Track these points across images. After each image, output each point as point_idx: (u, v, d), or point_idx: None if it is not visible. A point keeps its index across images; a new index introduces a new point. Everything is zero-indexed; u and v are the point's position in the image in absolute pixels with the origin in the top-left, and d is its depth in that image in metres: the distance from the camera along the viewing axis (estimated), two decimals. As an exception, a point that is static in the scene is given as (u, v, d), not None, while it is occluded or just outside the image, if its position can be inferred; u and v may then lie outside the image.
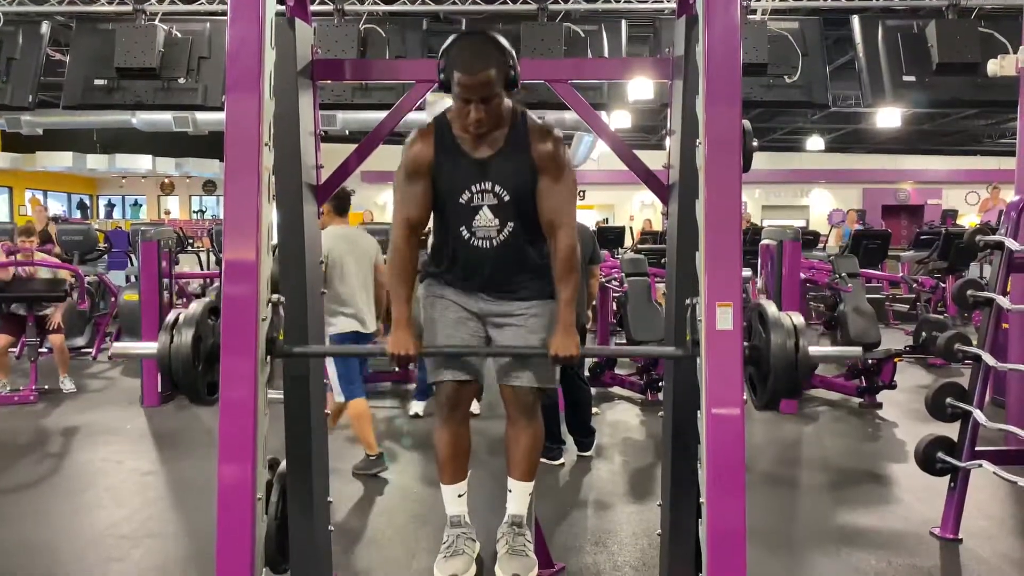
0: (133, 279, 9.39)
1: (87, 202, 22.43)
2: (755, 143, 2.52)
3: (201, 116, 11.61)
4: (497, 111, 2.38)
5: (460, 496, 2.67)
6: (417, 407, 6.13)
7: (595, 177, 21.45)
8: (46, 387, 6.81)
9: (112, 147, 18.80)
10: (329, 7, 5.97)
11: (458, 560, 2.51)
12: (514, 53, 2.40)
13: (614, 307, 7.96)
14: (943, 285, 9.48)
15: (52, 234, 9.69)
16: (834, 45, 8.85)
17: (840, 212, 16.33)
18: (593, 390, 6.89)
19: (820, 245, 12.21)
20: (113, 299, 8.70)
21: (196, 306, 2.39)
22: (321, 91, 3.11)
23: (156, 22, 5.53)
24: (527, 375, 2.54)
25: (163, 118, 12.08)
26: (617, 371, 7.20)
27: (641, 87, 7.72)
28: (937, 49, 5.34)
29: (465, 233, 2.51)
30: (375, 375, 7.18)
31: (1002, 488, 4.35)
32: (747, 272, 7.63)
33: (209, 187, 22.50)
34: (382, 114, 3.15)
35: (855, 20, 5.69)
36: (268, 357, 2.39)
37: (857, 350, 2.51)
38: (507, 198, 2.48)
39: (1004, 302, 3.75)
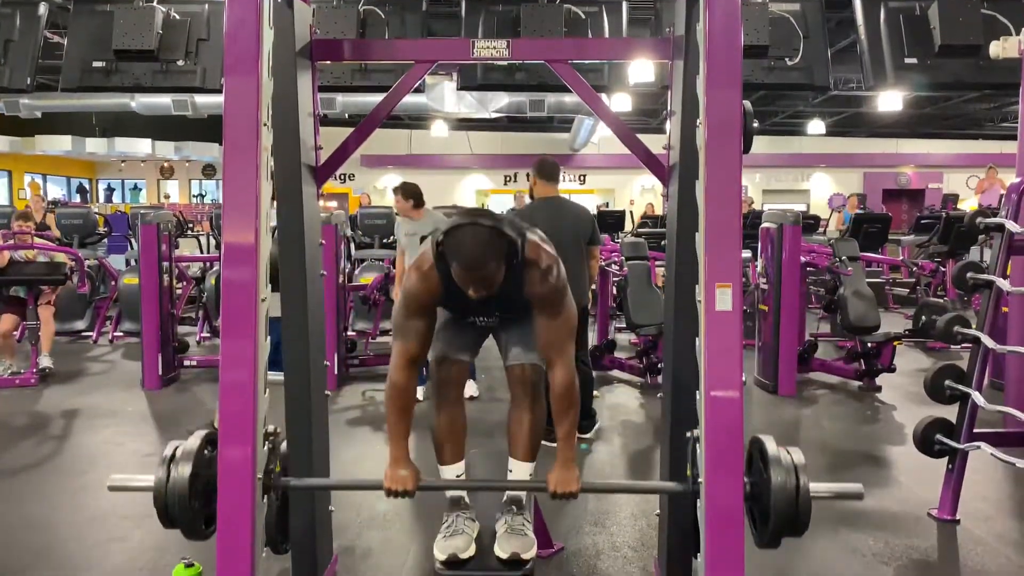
0: (133, 263, 9.40)
1: (86, 186, 22.38)
2: (755, 124, 2.51)
3: (200, 99, 11.56)
4: (497, 284, 2.35)
5: (458, 476, 2.69)
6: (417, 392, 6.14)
7: (595, 161, 21.42)
8: (48, 369, 6.82)
9: (111, 131, 18.73)
10: (328, -12, 5.94)
11: (458, 539, 2.53)
12: (516, 234, 2.38)
13: (614, 291, 7.96)
14: (943, 269, 9.49)
15: (51, 224, 9.70)
16: (836, 27, 8.80)
17: (841, 196, 16.27)
18: (593, 373, 6.92)
19: (820, 229, 12.20)
20: (113, 283, 8.71)
21: (194, 440, 2.33)
22: (320, 74, 3.10)
23: (154, 3, 5.49)
24: (532, 354, 2.58)
25: (162, 101, 12.02)
26: (617, 354, 7.22)
27: (642, 70, 7.68)
28: (939, 31, 5.30)
29: (466, 323, 2.68)
30: (374, 358, 7.20)
31: (1000, 470, 4.37)
32: (747, 253, 7.63)
33: (209, 171, 22.45)
34: (382, 96, 3.15)
35: (857, 2, 5.65)
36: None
37: (858, 487, 2.45)
38: (507, 316, 2.61)
39: (1004, 284, 3.75)
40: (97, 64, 5.69)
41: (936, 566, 3.48)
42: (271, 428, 2.43)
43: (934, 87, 6.52)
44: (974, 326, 3.86)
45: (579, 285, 4.88)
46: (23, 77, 5.82)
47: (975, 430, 3.78)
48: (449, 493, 2.68)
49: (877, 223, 9.44)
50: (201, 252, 11.36)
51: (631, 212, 15.04)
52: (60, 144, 18.44)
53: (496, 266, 2.29)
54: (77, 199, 20.85)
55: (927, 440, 3.87)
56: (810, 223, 10.50)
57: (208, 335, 8.29)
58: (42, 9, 5.89)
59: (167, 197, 22.41)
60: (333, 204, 17.50)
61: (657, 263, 7.69)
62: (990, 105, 17.26)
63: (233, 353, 2.32)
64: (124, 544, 3.60)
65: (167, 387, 6.60)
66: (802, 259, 6.79)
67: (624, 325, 7.00)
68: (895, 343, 6.53)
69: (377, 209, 10.41)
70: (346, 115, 12.52)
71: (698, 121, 2.42)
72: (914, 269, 10.04)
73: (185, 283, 8.52)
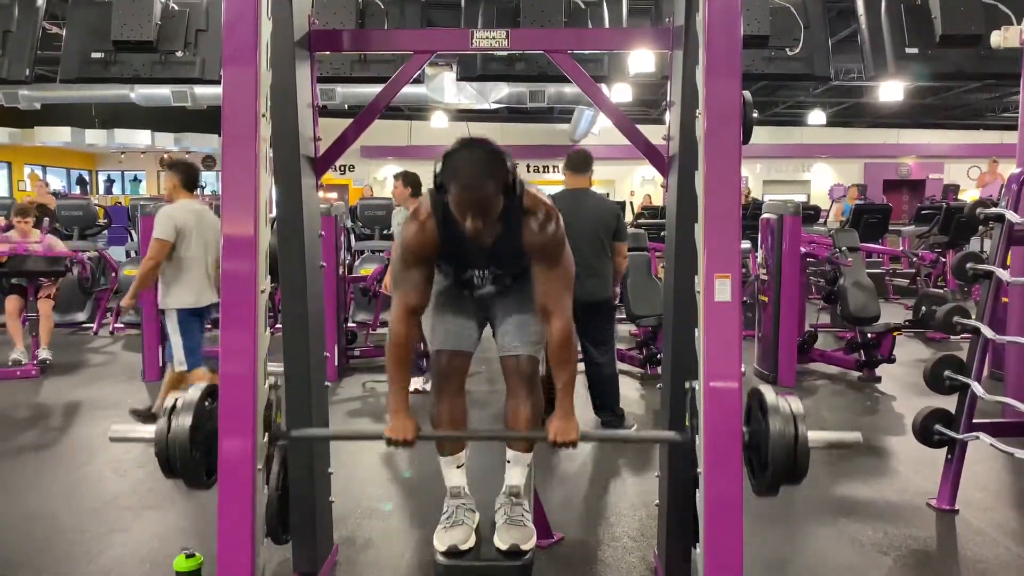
0: (133, 254, 9.41)
1: (86, 177, 22.35)
2: (755, 114, 2.51)
3: (200, 90, 11.52)
4: (495, 215, 2.35)
5: (459, 467, 2.70)
6: (417, 382, 6.14)
7: (595, 152, 21.08)
8: (47, 361, 6.83)
9: (111, 122, 18.70)
10: (327, -22, 5.90)
11: (458, 530, 2.54)
12: (512, 163, 2.37)
13: (614, 282, 7.95)
14: (943, 259, 9.48)
15: (51, 212, 9.68)
16: (836, 17, 8.77)
17: (841, 187, 16.25)
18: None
19: (821, 220, 12.19)
20: (114, 274, 8.71)
21: (194, 391, 2.35)
22: (319, 64, 3.10)
23: (152, -6, 5.47)
24: (527, 344, 2.57)
25: (161, 92, 12.00)
26: (617, 345, 7.21)
27: (642, 60, 7.67)
28: (940, 21, 5.28)
29: (465, 291, 2.67)
30: (374, 350, 7.21)
31: (999, 460, 4.38)
32: (746, 244, 7.62)
33: (208, 162, 22.40)
34: (381, 87, 3.14)
35: (858, -8, 5.63)
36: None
37: (856, 436, 2.46)
38: (505, 275, 2.60)
39: (1004, 275, 3.74)
40: (96, 55, 5.67)
41: (935, 556, 3.49)
42: (272, 380, 2.44)
43: (935, 77, 6.50)
44: (974, 316, 3.86)
45: (599, 279, 4.89)
46: (22, 68, 5.80)
47: (974, 420, 3.79)
48: (449, 484, 2.68)
49: (877, 214, 9.45)
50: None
51: (631, 203, 15.03)
52: (59, 136, 18.41)
53: (494, 190, 2.29)
54: (77, 191, 20.83)
55: (926, 430, 3.87)
56: (810, 214, 10.50)
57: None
58: (40, 0, 5.86)
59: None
60: (333, 195, 17.48)
61: (657, 254, 7.69)
62: (991, 95, 17.22)
63: (233, 344, 2.33)
64: (125, 535, 3.61)
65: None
66: (802, 250, 6.79)
67: (624, 316, 6.99)
68: (895, 333, 6.54)
69: (377, 200, 10.40)
70: (345, 106, 12.49)
71: (698, 111, 2.41)
72: (914, 259, 10.04)
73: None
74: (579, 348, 2.55)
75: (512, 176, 2.34)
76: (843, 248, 6.87)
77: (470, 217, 2.29)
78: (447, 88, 13.04)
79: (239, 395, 2.30)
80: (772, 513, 3.80)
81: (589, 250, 4.86)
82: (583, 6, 5.40)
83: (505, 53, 5.53)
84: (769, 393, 2.32)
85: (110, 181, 23.04)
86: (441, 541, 2.53)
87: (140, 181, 23.19)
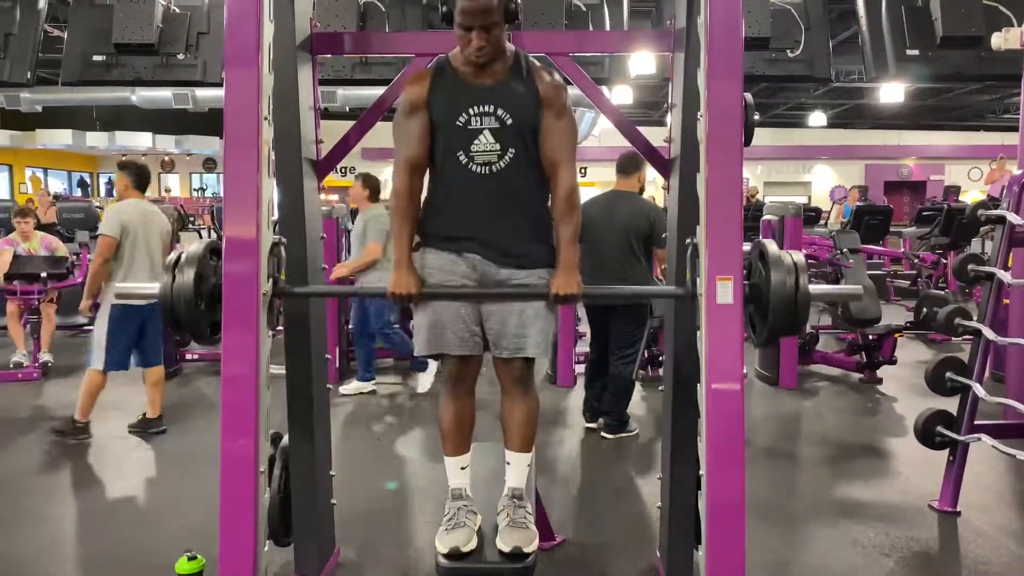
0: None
1: (87, 180, 22.39)
2: (756, 116, 2.51)
3: (201, 93, 11.53)
4: (498, 41, 2.40)
5: (463, 468, 2.69)
6: (356, 387, 6.19)
7: (596, 154, 21.32)
8: (49, 363, 6.83)
9: (112, 125, 18.75)
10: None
11: (460, 532, 2.53)
12: None
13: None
14: (944, 261, 9.47)
15: (54, 219, 9.71)
16: (837, 19, 8.79)
17: (842, 188, 16.26)
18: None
19: (822, 221, 12.18)
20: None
21: (197, 246, 2.40)
22: (321, 67, 3.10)
23: (154, -3, 5.48)
24: (520, 345, 2.53)
25: (163, 95, 12.00)
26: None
27: (643, 62, 7.67)
28: (941, 22, 5.30)
29: (463, 158, 2.45)
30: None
31: (1001, 462, 4.38)
32: (747, 247, 7.62)
33: (209, 164, 22.46)
34: (382, 89, 3.14)
35: (858, -7, 5.64)
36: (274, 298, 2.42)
37: (857, 288, 2.53)
38: (509, 121, 2.43)
39: (1005, 276, 3.74)
40: (97, 58, 5.69)
41: (937, 557, 3.49)
42: (276, 238, 2.47)
43: (936, 79, 6.52)
44: (975, 318, 3.86)
45: (624, 282, 4.69)
46: (23, 71, 5.82)
47: (976, 422, 3.79)
48: (451, 484, 2.68)
49: (878, 215, 9.44)
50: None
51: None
52: (61, 138, 18.46)
53: (497, 2, 2.32)
54: (78, 193, 20.86)
55: (928, 432, 3.87)
56: (811, 215, 10.50)
57: None
58: (42, 3, 5.89)
59: (168, 191, 22.40)
60: (334, 197, 17.49)
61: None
62: (992, 96, 17.23)
63: (234, 347, 2.33)
64: (127, 538, 3.61)
65: (169, 380, 6.58)
66: (803, 251, 6.79)
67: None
68: (896, 335, 6.53)
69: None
70: (347, 108, 12.51)
71: (699, 114, 2.41)
72: (915, 261, 10.02)
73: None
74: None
75: (514, 2, 2.39)
76: (844, 250, 6.87)
77: (475, 32, 2.33)
78: (448, 90, 13.02)
79: (241, 396, 2.31)
80: (774, 514, 3.81)
81: (616, 252, 4.78)
82: (584, 8, 5.41)
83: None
84: (771, 245, 2.36)
85: (111, 183, 23.07)
86: (443, 543, 2.52)
87: (141, 183, 23.22)
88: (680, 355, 2.85)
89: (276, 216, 2.86)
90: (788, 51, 5.35)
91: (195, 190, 22.89)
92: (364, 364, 6.20)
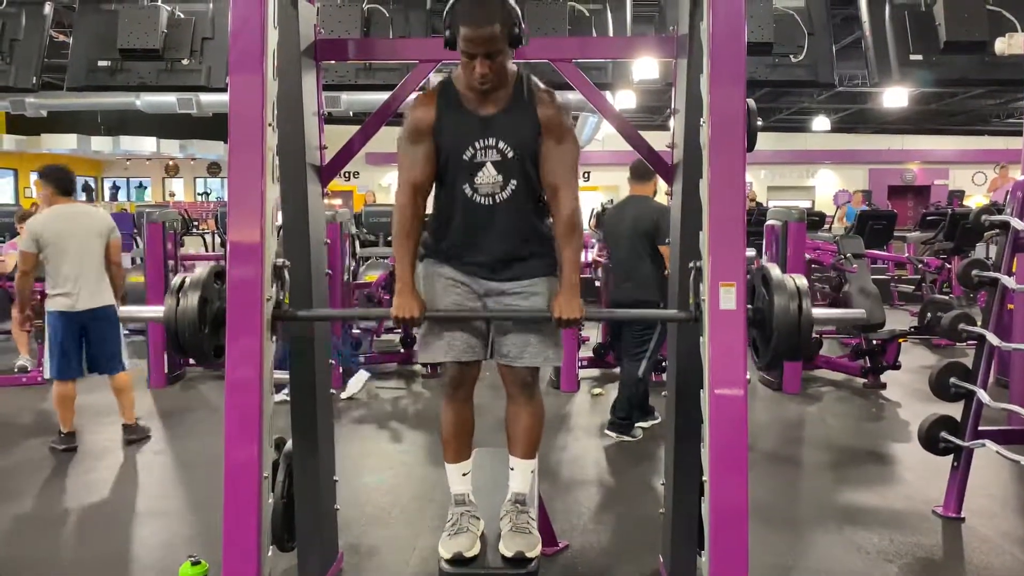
0: (138, 261, 9.42)
1: (92, 184, 22.44)
2: (759, 121, 2.51)
3: (205, 98, 11.54)
4: (502, 68, 2.39)
5: (464, 475, 2.69)
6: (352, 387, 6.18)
7: (599, 158, 21.36)
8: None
9: (116, 129, 18.80)
10: (332, -13, 5.92)
11: (463, 538, 2.53)
12: (519, 10, 2.42)
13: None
14: (949, 266, 9.46)
15: None
16: (841, 24, 8.78)
17: (846, 193, 16.24)
18: (596, 371, 6.94)
19: (826, 226, 12.17)
20: (119, 281, 8.70)
21: (202, 270, 2.41)
22: (324, 72, 3.11)
23: (159, 3, 5.50)
24: (525, 353, 2.54)
25: (167, 100, 12.02)
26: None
27: (646, 67, 7.67)
28: (945, 27, 5.29)
29: (467, 190, 2.50)
30: (379, 356, 7.21)
31: (1005, 467, 4.36)
32: (751, 252, 7.61)
33: (214, 169, 22.48)
34: (386, 95, 3.15)
35: (862, -2, 5.63)
36: (274, 323, 2.41)
37: (860, 312, 2.54)
38: (511, 155, 2.46)
39: (1009, 282, 3.74)
40: (102, 63, 5.70)
41: (941, 564, 3.48)
42: (279, 262, 2.47)
43: (939, 83, 6.51)
44: (979, 323, 3.86)
45: (634, 282, 4.98)
46: (29, 76, 5.83)
47: (980, 428, 3.78)
48: (453, 490, 2.68)
49: (882, 220, 9.41)
50: (206, 250, 11.38)
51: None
52: (65, 143, 18.50)
53: (501, 31, 2.32)
54: (83, 197, 20.90)
55: (932, 438, 3.87)
56: (815, 220, 10.48)
57: None
58: (47, 8, 5.90)
59: (172, 195, 22.45)
60: (338, 202, 17.52)
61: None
62: (995, 101, 17.22)
63: (239, 352, 2.33)
64: (130, 542, 3.62)
65: (173, 385, 6.62)
66: (807, 256, 6.79)
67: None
68: (900, 340, 6.52)
69: (382, 207, 10.42)
70: (350, 113, 12.52)
71: (702, 119, 2.42)
72: (919, 266, 10.02)
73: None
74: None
75: (519, 27, 2.38)
76: (848, 254, 6.86)
77: (478, 59, 2.33)
78: (451, 95, 13.03)
79: (245, 401, 2.31)
80: (777, 519, 3.80)
81: (626, 253, 5.05)
82: (587, 14, 5.41)
83: (510, 60, 5.53)
84: (775, 269, 2.37)
85: (115, 188, 23.13)
86: (446, 548, 2.52)
87: (145, 188, 23.26)
88: (683, 360, 2.85)
89: (280, 221, 2.87)
90: (791, 56, 5.33)
91: (199, 194, 22.93)
92: (345, 365, 6.18)
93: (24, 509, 4.02)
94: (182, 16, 5.62)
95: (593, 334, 7.47)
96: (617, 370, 6.99)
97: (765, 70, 5.36)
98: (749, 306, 2.31)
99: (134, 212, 12.94)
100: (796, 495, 4.36)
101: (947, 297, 8.31)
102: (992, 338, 3.72)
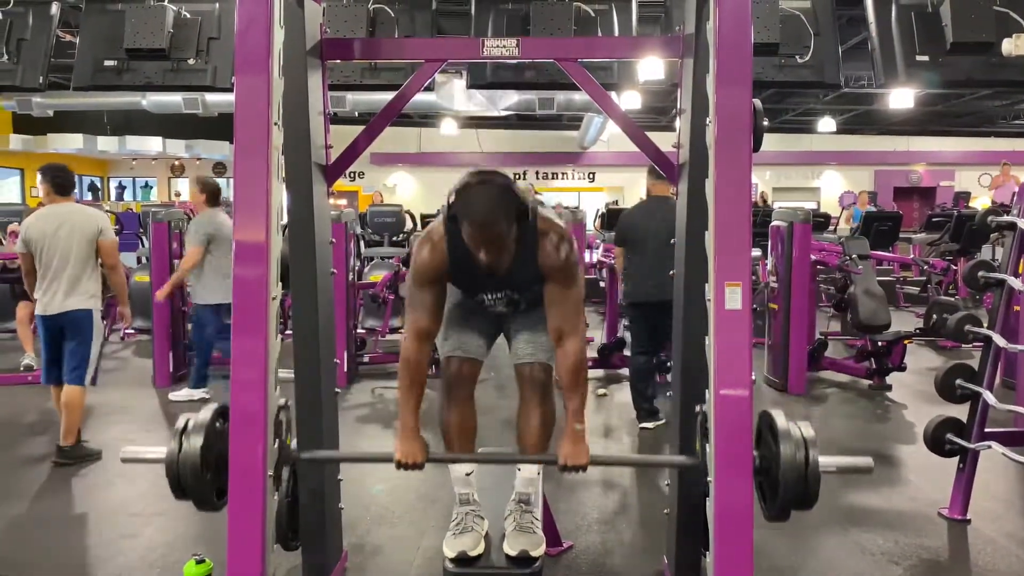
0: (144, 260, 9.44)
1: (98, 184, 22.50)
2: (765, 122, 2.51)
3: (211, 97, 11.57)
4: (508, 248, 2.39)
5: (468, 475, 2.70)
6: (187, 394, 6.14)
7: (605, 159, 21.39)
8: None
9: (123, 129, 18.83)
10: (338, -13, 5.92)
11: (467, 537, 2.54)
12: (524, 194, 2.43)
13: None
14: (955, 267, 9.44)
15: None
16: (847, 24, 8.77)
17: (851, 194, 16.21)
18: (602, 371, 6.93)
19: (831, 227, 12.14)
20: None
21: (205, 412, 2.36)
22: (330, 72, 3.11)
23: (165, 3, 5.51)
24: (538, 351, 2.58)
25: (173, 100, 12.06)
26: (626, 353, 7.20)
27: (652, 67, 7.65)
28: (951, 28, 5.27)
29: (477, 308, 2.70)
30: (383, 356, 7.22)
31: (1011, 469, 4.35)
32: (756, 252, 7.60)
33: (219, 169, 22.51)
34: (391, 95, 3.15)
35: (868, -1, 5.62)
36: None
37: (867, 460, 2.49)
38: (517, 296, 2.61)
39: (1016, 283, 3.73)
40: (109, 63, 5.70)
41: (946, 565, 3.47)
42: (282, 401, 2.45)
43: (946, 85, 6.48)
44: (985, 325, 3.85)
45: (664, 279, 4.98)
46: (35, 76, 5.84)
47: (986, 429, 3.77)
48: (458, 491, 2.69)
49: (888, 221, 9.40)
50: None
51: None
52: (72, 142, 18.53)
53: (507, 226, 2.31)
54: (89, 197, 20.96)
55: (938, 439, 3.85)
56: (820, 221, 10.46)
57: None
58: (54, 8, 5.91)
59: (178, 195, 22.50)
60: (343, 202, 17.54)
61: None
62: (1002, 102, 17.17)
63: (245, 351, 2.34)
64: (134, 541, 3.62)
65: (178, 384, 6.63)
66: (812, 257, 6.77)
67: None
68: (906, 342, 6.50)
69: (387, 207, 10.43)
70: (356, 113, 12.53)
71: (708, 119, 2.41)
72: (925, 267, 9.99)
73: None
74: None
75: (524, 205, 2.37)
76: (853, 256, 6.85)
77: (483, 252, 2.33)
78: (456, 95, 13.06)
79: (250, 401, 2.31)
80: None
81: (652, 253, 5.13)
82: (592, 14, 5.41)
83: (515, 61, 5.54)
84: (780, 417, 2.30)
85: (121, 187, 23.19)
86: (450, 547, 2.53)
87: (151, 187, 23.33)
88: (688, 360, 2.85)
89: (285, 220, 2.88)
90: (797, 57, 5.32)
91: (204, 194, 22.96)
92: (197, 371, 6.14)
93: (26, 508, 4.03)
94: (188, 16, 5.63)
95: (598, 335, 7.47)
96: (623, 371, 7.00)
97: (771, 71, 5.35)
98: (755, 453, 2.29)
99: (140, 212, 12.97)
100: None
101: (953, 299, 8.30)
102: (998, 339, 3.71)
